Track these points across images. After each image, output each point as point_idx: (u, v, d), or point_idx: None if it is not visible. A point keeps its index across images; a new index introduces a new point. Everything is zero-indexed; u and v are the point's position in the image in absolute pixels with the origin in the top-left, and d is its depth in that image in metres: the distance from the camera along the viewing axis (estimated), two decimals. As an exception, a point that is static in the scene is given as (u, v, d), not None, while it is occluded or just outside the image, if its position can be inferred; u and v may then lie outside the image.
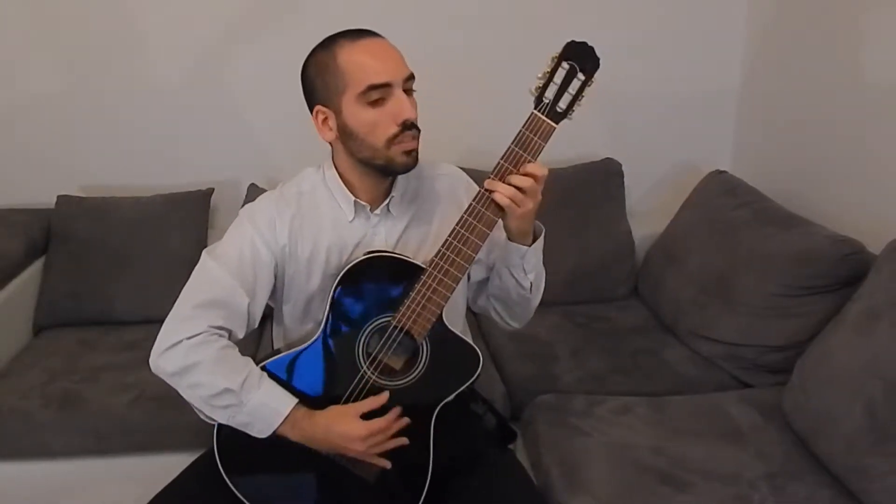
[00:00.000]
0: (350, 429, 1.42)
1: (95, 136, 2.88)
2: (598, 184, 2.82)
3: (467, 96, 2.80)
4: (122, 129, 2.88)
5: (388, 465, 1.48)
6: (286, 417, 1.42)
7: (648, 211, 3.06)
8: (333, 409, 1.45)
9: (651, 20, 2.87)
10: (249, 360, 1.48)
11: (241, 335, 1.53)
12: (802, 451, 1.83)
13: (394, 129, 1.43)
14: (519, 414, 2.13)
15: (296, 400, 1.44)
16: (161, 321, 2.52)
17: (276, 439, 1.45)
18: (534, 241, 1.53)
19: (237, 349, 1.49)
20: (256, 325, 1.58)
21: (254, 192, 2.66)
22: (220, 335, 1.48)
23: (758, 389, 2.15)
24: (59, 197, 2.76)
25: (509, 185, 1.39)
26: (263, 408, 1.42)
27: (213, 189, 2.85)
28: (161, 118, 2.88)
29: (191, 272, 2.63)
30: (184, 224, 2.72)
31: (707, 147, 3.05)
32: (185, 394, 1.47)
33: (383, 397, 1.45)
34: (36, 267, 2.69)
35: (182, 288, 1.54)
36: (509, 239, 1.53)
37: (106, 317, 2.63)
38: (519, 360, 2.33)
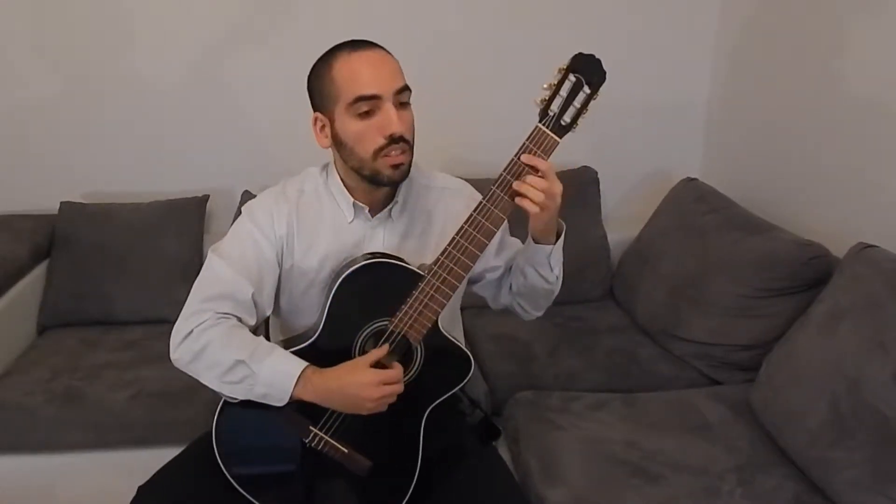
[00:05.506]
0: (363, 376, 1.37)
1: (97, 145, 2.85)
2: (576, 190, 2.79)
3: (452, 107, 2.78)
4: (123, 139, 2.85)
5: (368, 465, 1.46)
6: (298, 378, 1.37)
7: (623, 217, 3.04)
8: (344, 364, 1.40)
9: (623, 32, 2.85)
10: (259, 337, 1.44)
11: (251, 323, 1.49)
12: (769, 444, 1.83)
13: (381, 142, 1.39)
14: (499, 410, 2.11)
15: (305, 363, 1.39)
16: (159, 321, 2.54)
17: (272, 424, 1.43)
18: (556, 237, 1.51)
19: (247, 329, 1.46)
20: (267, 314, 1.55)
21: (247, 198, 2.62)
22: (228, 318, 1.45)
23: (727, 386, 2.14)
24: (62, 203, 2.73)
25: (531, 187, 1.35)
26: (275, 374, 1.37)
27: (208, 196, 2.83)
28: (159, 128, 2.85)
29: (188, 274, 2.61)
30: (181, 229, 2.70)
31: (678, 156, 3.05)
32: (206, 378, 1.42)
33: (384, 350, 1.41)
34: (40, 270, 2.67)
35: (181, 288, 1.52)
36: (534, 240, 1.49)
37: (106, 317, 2.61)
38: (499, 358, 2.31)
